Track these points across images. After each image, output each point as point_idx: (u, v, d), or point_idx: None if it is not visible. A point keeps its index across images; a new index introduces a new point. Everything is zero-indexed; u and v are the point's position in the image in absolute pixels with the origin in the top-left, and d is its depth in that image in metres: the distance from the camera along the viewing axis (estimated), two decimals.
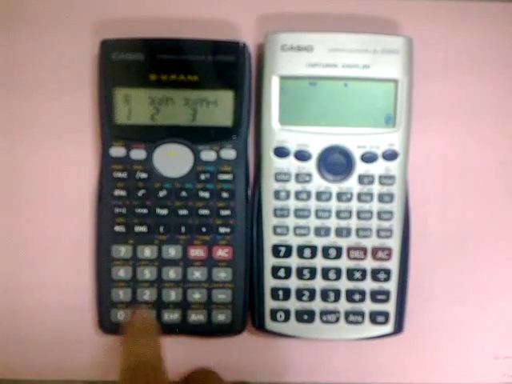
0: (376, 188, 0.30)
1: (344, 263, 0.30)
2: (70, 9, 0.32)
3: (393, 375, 0.32)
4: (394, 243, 0.30)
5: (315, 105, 0.29)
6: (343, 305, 0.30)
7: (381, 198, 0.30)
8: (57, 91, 0.32)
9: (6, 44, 0.32)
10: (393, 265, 0.30)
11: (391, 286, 0.30)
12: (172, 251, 0.30)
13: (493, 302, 0.33)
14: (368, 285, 0.30)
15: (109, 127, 0.30)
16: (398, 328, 0.30)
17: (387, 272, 0.30)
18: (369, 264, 0.30)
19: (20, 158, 0.32)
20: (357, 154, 0.30)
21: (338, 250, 0.30)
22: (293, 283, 0.30)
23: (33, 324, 0.32)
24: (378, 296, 0.30)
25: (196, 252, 0.30)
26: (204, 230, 0.30)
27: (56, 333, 0.32)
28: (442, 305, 0.33)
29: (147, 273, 0.30)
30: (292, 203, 0.30)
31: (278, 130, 0.29)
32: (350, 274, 0.30)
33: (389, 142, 0.30)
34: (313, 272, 0.30)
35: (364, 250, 0.30)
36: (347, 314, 0.30)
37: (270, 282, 0.30)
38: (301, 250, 0.30)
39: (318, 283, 0.30)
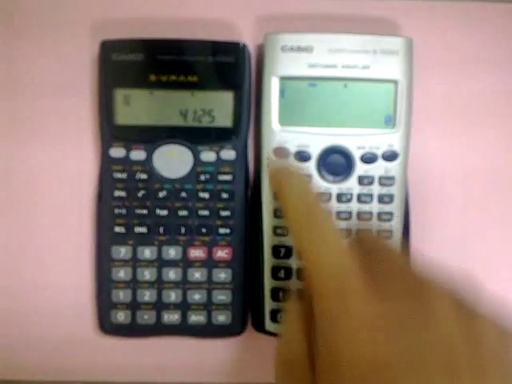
0: (376, 189, 0.30)
1: None
2: (70, 9, 0.32)
3: None
4: (394, 244, 0.30)
5: (315, 105, 0.29)
6: None
7: (381, 198, 0.30)
8: (57, 92, 0.32)
9: (6, 44, 0.32)
10: None
11: None
12: (172, 252, 0.30)
13: None
14: None
15: (109, 128, 0.30)
16: None
17: None
18: None
19: (20, 158, 0.32)
20: (357, 155, 0.30)
21: None
22: (293, 284, 0.30)
23: (32, 325, 0.32)
24: None
25: (196, 253, 0.30)
26: (204, 230, 0.30)
27: (56, 334, 0.32)
28: None
29: (147, 274, 0.30)
30: None
31: (277, 131, 0.29)
32: None
33: (389, 143, 0.30)
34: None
35: None
36: None
37: (270, 283, 0.30)
38: None
39: None
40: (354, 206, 0.30)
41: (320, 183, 0.30)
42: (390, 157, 0.30)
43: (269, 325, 0.30)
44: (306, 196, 0.22)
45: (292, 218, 0.21)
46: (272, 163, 0.28)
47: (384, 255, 0.22)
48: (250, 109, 0.30)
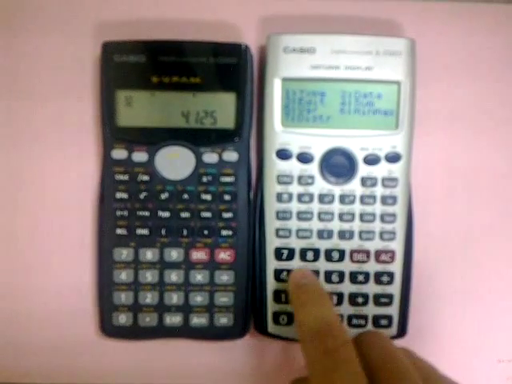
0: (379, 190, 0.30)
1: (347, 266, 0.30)
2: (71, 10, 0.32)
3: None
4: (397, 246, 0.30)
5: (318, 107, 0.29)
6: (346, 308, 0.30)
7: (384, 200, 0.30)
8: (58, 93, 0.32)
9: (8, 46, 0.32)
10: (396, 267, 0.30)
11: (394, 289, 0.30)
12: (174, 254, 0.30)
13: (496, 304, 0.33)
14: (371, 288, 0.30)
15: (110, 129, 0.29)
16: (402, 331, 0.30)
17: (390, 275, 0.30)
18: (372, 267, 0.30)
19: (21, 160, 0.32)
20: (359, 157, 0.29)
21: (341, 252, 0.30)
22: None
23: (34, 327, 0.32)
24: (382, 299, 0.30)
25: (198, 255, 0.30)
26: (206, 232, 0.30)
27: (57, 336, 0.32)
28: (445, 308, 0.32)
29: (149, 276, 0.30)
30: (294, 206, 0.30)
31: (280, 133, 0.29)
32: (353, 277, 0.30)
33: (392, 144, 0.29)
34: (315, 275, 0.30)
35: (367, 252, 0.30)
36: (350, 317, 0.30)
37: (272, 285, 0.30)
38: (303, 253, 0.30)
39: None
40: (357, 207, 0.30)
41: (323, 185, 0.30)
42: (393, 158, 0.29)
43: (271, 327, 0.30)
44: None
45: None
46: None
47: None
48: (252, 110, 0.30)
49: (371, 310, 0.30)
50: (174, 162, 0.30)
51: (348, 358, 0.22)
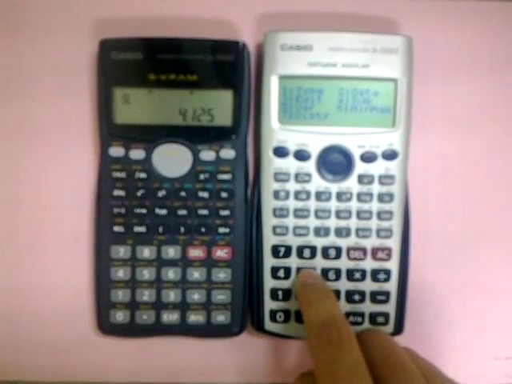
0: (376, 188, 0.30)
1: (344, 263, 0.30)
2: (68, 8, 0.32)
3: None
4: (394, 243, 0.30)
5: (315, 104, 0.29)
6: (343, 305, 0.30)
7: (380, 197, 0.30)
8: (55, 91, 0.32)
9: (5, 43, 0.32)
10: (393, 265, 0.30)
11: (391, 286, 0.30)
12: (171, 251, 0.30)
13: (493, 302, 0.33)
14: (368, 285, 0.30)
15: (108, 127, 0.29)
16: (398, 329, 0.30)
17: (387, 272, 0.30)
18: (369, 264, 0.30)
19: (18, 157, 0.32)
20: (356, 154, 0.29)
21: (338, 250, 0.30)
22: (292, 284, 0.30)
23: (31, 325, 0.32)
24: (378, 297, 0.30)
25: (195, 252, 0.30)
26: (203, 230, 0.30)
27: (55, 334, 0.32)
28: (441, 305, 0.33)
29: (146, 273, 0.30)
30: (291, 203, 0.30)
31: (277, 130, 0.29)
32: (350, 275, 0.30)
33: (388, 142, 0.29)
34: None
35: (364, 250, 0.30)
36: (347, 314, 0.30)
37: (269, 283, 0.30)
38: (300, 251, 0.30)
39: None
40: (354, 205, 0.30)
41: (319, 182, 0.30)
42: (390, 156, 0.29)
43: (268, 324, 0.30)
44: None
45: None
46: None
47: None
48: (249, 108, 0.30)
49: (368, 307, 0.30)
50: (172, 160, 0.30)
51: (351, 349, 0.23)
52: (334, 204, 0.30)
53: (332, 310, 0.25)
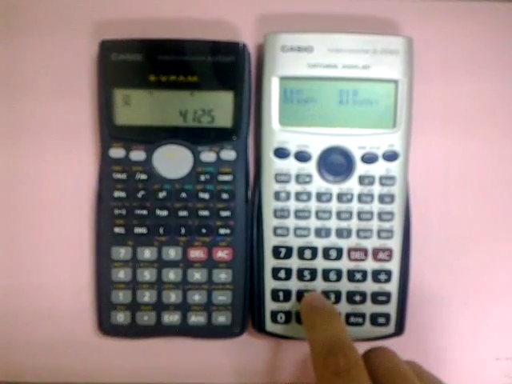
0: (376, 189, 0.30)
1: (344, 264, 0.30)
2: (69, 9, 0.32)
3: None
4: (395, 244, 0.30)
5: (315, 105, 0.29)
6: (344, 306, 0.30)
7: (381, 198, 0.30)
8: (56, 92, 0.32)
9: (5, 44, 0.32)
10: (394, 266, 0.30)
11: (392, 287, 0.30)
12: (172, 253, 0.30)
13: (494, 302, 0.33)
14: (369, 286, 0.30)
15: (108, 128, 0.29)
16: (399, 329, 0.30)
17: (388, 273, 0.30)
18: (369, 265, 0.30)
19: (18, 159, 0.32)
20: (357, 155, 0.29)
21: (339, 251, 0.30)
22: (293, 285, 0.30)
23: (32, 326, 0.32)
24: (379, 297, 0.30)
25: (196, 253, 0.30)
26: (204, 231, 0.30)
27: (55, 335, 0.32)
28: (442, 306, 0.33)
29: (147, 274, 0.30)
30: (292, 204, 0.30)
31: (278, 131, 0.29)
32: (351, 276, 0.30)
33: (389, 143, 0.29)
34: (313, 273, 0.30)
35: (365, 250, 0.30)
36: (348, 315, 0.30)
37: (270, 284, 0.30)
38: (301, 251, 0.30)
39: (319, 284, 0.30)
40: (355, 206, 0.30)
41: (320, 183, 0.30)
42: (391, 157, 0.29)
43: (269, 325, 0.30)
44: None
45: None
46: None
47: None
48: (250, 109, 0.30)
49: (369, 308, 0.30)
50: (172, 161, 0.30)
51: (359, 377, 0.22)
52: (334, 205, 0.30)
53: (338, 334, 0.25)
